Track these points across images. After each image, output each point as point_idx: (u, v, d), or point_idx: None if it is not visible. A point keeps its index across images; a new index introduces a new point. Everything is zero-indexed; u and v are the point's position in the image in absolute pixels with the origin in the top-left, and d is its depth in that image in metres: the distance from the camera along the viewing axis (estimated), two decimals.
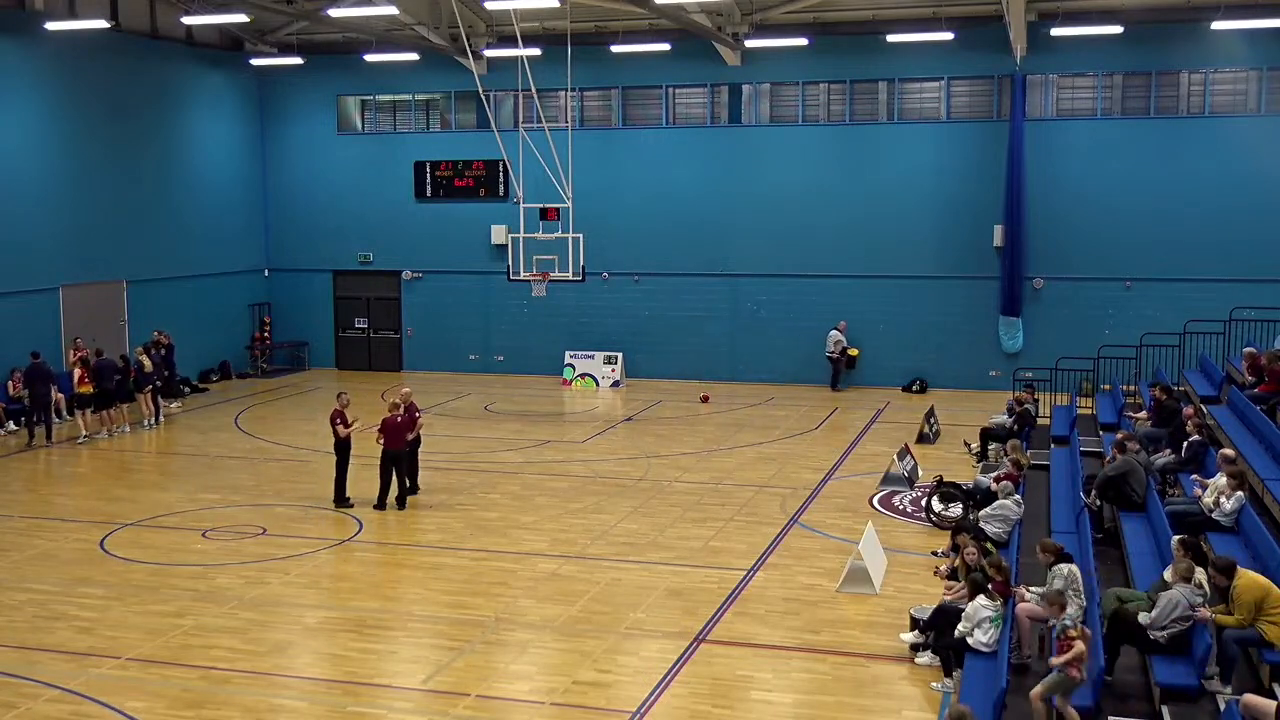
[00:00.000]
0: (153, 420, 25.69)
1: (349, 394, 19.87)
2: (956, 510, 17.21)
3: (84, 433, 24.10)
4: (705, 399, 28.38)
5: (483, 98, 27.35)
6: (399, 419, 18.58)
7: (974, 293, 29.21)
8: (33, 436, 24.01)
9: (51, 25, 25.84)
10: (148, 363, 25.41)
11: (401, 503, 18.72)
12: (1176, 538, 12.08)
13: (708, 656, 12.82)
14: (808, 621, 13.81)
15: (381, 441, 18.57)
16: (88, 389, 23.97)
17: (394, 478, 18.62)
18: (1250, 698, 9.58)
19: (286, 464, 22.28)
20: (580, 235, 25.35)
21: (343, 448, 18.83)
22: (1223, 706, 9.84)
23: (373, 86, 33.05)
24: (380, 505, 18.60)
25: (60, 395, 25.09)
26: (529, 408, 28.16)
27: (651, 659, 12.71)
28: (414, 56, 30.93)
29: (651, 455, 22.67)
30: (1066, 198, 28.33)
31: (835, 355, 29.53)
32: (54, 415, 24.73)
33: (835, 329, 29.56)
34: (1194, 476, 15.67)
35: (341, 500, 18.92)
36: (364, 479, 19.25)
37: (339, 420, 18.72)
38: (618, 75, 30.90)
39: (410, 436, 18.97)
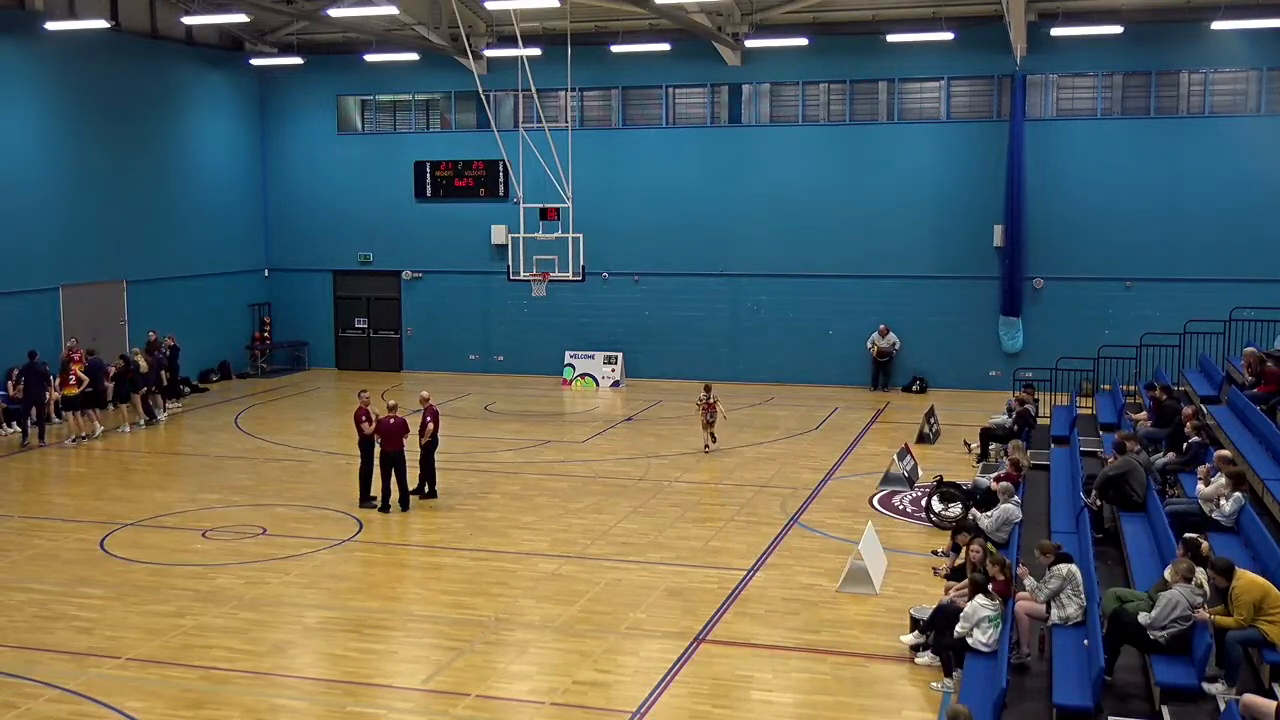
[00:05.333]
0: (144, 421, 25.62)
1: (369, 391, 19.82)
2: (956, 510, 17.21)
3: (71, 434, 24.07)
4: None
5: (483, 98, 27.35)
6: (393, 420, 18.55)
7: (974, 293, 29.20)
8: (26, 436, 24.01)
9: (51, 25, 25.80)
10: (144, 363, 25.40)
11: (404, 503, 18.70)
12: (1186, 535, 12.10)
13: (708, 656, 12.82)
14: (808, 621, 13.81)
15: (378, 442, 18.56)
16: (72, 391, 23.96)
17: (394, 479, 18.62)
18: (1250, 698, 9.58)
19: (286, 464, 22.28)
20: (580, 235, 25.35)
21: (367, 445, 18.82)
22: (1223, 706, 9.84)
23: (373, 86, 33.03)
24: (384, 507, 18.60)
25: (57, 394, 25.08)
26: (529, 408, 28.16)
27: (651, 659, 12.71)
28: (414, 56, 30.92)
29: (651, 455, 22.68)
30: (1066, 198, 28.33)
31: (875, 356, 29.54)
32: (51, 416, 24.76)
33: (875, 332, 29.50)
34: (1199, 470, 15.63)
35: (366, 500, 18.86)
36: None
37: (363, 418, 18.68)
38: (618, 75, 30.88)
39: (424, 440, 18.92)
